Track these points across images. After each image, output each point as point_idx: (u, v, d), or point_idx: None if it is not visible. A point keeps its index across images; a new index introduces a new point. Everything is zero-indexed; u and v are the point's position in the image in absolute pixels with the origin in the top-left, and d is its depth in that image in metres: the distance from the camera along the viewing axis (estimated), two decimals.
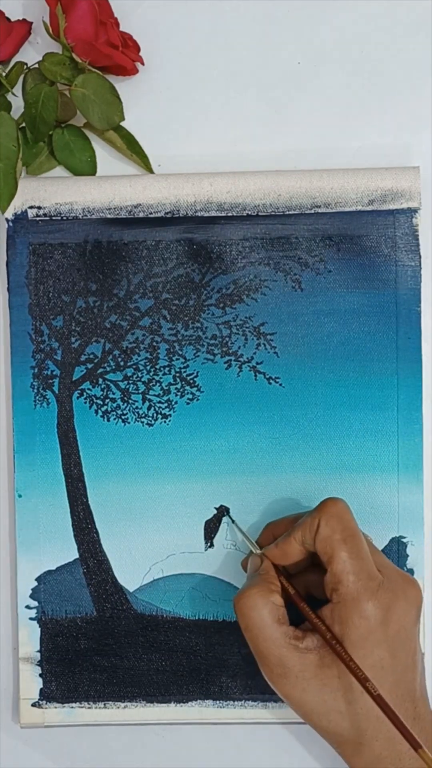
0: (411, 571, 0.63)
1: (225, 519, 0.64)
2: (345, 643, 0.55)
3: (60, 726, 0.65)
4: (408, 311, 0.63)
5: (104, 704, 0.64)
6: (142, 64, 0.64)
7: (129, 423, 0.64)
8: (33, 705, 0.64)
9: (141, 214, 0.64)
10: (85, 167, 0.64)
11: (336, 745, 0.57)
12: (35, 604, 0.64)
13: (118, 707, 0.64)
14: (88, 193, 0.64)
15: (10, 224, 0.64)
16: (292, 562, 0.59)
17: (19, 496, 0.64)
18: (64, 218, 0.64)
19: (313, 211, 0.63)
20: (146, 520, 0.64)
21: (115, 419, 0.64)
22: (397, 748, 0.55)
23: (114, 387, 0.64)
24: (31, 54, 0.65)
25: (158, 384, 0.64)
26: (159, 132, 0.65)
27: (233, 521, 0.64)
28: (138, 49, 0.64)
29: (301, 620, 0.58)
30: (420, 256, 0.63)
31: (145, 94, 0.65)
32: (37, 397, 0.64)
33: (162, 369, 0.64)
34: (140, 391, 0.64)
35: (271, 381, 0.64)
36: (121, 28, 0.64)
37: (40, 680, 0.64)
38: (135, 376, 0.64)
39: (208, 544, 0.64)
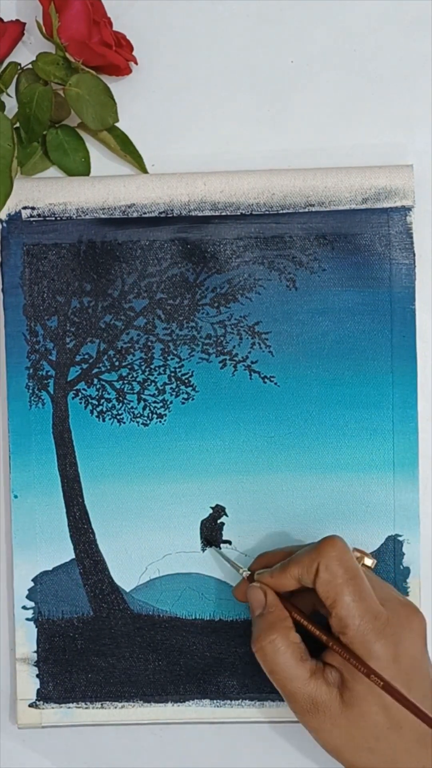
0: (407, 570, 0.63)
1: (210, 550, 0.64)
2: (360, 687, 0.55)
3: (57, 726, 0.65)
4: (403, 309, 0.63)
5: (101, 704, 0.64)
6: (136, 63, 0.64)
7: (124, 423, 0.64)
8: (30, 706, 0.64)
9: (135, 214, 0.64)
10: (79, 167, 0.64)
11: None
12: (32, 604, 0.64)
13: (116, 707, 0.64)
14: (81, 193, 0.64)
15: (4, 225, 0.64)
16: (285, 591, 0.58)
17: (15, 496, 0.64)
18: (58, 218, 0.64)
19: (306, 210, 0.63)
20: (142, 520, 0.64)
21: (110, 419, 0.64)
22: None
23: (109, 387, 0.64)
24: (24, 54, 0.65)
25: (153, 384, 0.64)
26: (153, 132, 0.65)
27: (220, 553, 0.63)
28: (131, 48, 0.64)
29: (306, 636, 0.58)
30: (414, 254, 0.63)
31: (138, 94, 0.65)
32: (33, 398, 0.64)
33: (157, 369, 0.64)
34: (135, 391, 0.64)
35: (266, 380, 0.64)
36: (115, 28, 0.63)
37: (37, 681, 0.64)
38: (130, 376, 0.64)
39: (204, 543, 0.64)
